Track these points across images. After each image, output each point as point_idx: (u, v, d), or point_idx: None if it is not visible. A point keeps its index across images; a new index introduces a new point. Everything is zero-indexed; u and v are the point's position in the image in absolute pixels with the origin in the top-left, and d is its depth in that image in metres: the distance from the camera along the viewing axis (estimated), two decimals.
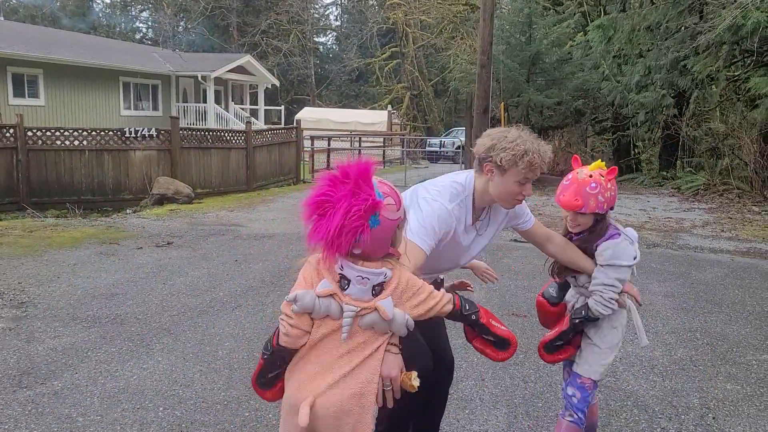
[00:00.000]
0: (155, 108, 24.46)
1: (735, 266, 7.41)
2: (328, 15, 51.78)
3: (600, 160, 2.61)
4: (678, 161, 18.17)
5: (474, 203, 2.44)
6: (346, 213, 1.74)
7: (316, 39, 48.14)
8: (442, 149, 30.31)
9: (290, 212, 11.22)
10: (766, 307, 5.69)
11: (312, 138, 20.50)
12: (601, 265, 2.49)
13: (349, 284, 1.83)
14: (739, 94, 15.77)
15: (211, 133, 15.23)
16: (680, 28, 15.35)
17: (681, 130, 16.75)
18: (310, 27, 43.79)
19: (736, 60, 14.72)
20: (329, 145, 21.47)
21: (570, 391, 2.56)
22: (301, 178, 17.86)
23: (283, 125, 26.95)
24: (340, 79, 45.37)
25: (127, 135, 12.76)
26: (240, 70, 26.05)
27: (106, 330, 4.65)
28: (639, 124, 17.67)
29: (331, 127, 27.16)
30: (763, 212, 11.71)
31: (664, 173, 17.35)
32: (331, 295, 1.82)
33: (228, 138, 15.22)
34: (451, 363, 2.70)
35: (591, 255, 2.54)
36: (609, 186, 2.47)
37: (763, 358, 4.39)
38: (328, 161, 20.87)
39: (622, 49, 17.77)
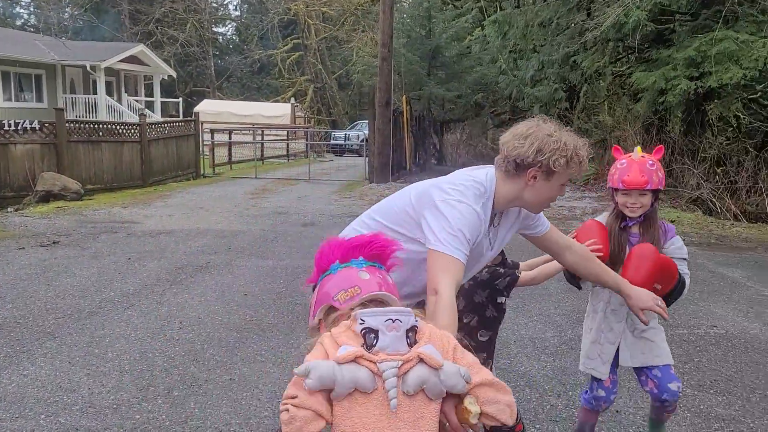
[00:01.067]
0: (39, 99, 22.88)
1: None
2: (226, 4, 50.38)
3: (638, 146, 2.68)
4: None
5: (493, 207, 2.12)
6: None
7: (214, 29, 46.69)
8: (347, 142, 30.33)
9: (189, 208, 10.84)
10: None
11: (212, 131, 19.90)
12: (681, 258, 2.55)
13: (377, 336, 1.40)
14: (624, 89, 16.75)
15: (102, 125, 14.41)
16: (570, 24, 16.10)
17: (572, 123, 17.62)
18: (208, 16, 42.39)
19: (620, 56, 15.61)
20: (230, 138, 20.93)
21: (675, 386, 2.49)
22: (201, 172, 17.30)
23: (181, 118, 25.96)
24: (241, 71, 44.35)
25: (6, 128, 11.83)
26: (133, 60, 24.82)
27: None
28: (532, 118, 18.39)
29: (233, 120, 26.46)
30: None
31: None
32: (355, 359, 1.36)
33: (121, 131, 14.46)
34: None
35: (652, 242, 2.51)
36: (659, 165, 2.54)
37: None
38: (229, 155, 20.35)
39: (517, 44, 18.42)
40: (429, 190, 2.08)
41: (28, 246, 7.33)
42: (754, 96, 12.55)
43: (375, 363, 1.35)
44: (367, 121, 16.14)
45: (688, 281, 2.53)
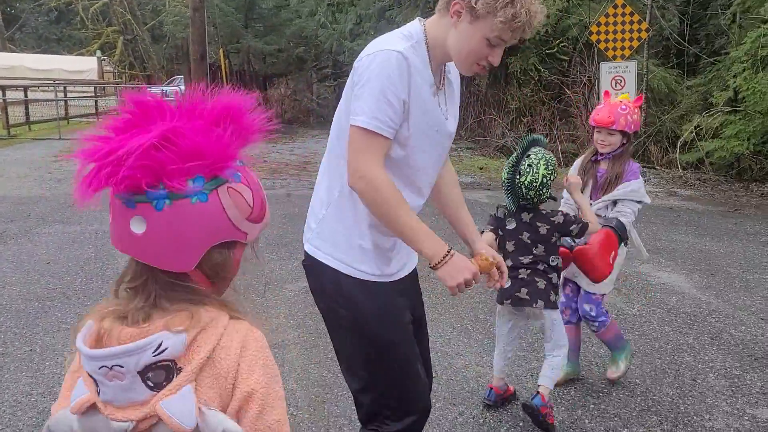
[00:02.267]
0: None
1: None
2: None
3: (626, 93, 2.90)
4: None
5: (429, 53, 1.71)
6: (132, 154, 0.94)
7: None
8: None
9: None
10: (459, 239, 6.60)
11: (3, 88, 17.71)
12: (626, 199, 2.89)
13: (98, 384, 0.96)
14: None
15: None
16: None
17: None
18: None
19: (430, 10, 16.31)
20: (26, 95, 18.82)
21: (587, 307, 2.96)
22: None
23: None
24: (36, 20, 39.62)
25: None
26: None
27: None
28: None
29: (29, 75, 23.73)
30: (458, 148, 13.43)
31: None
32: (93, 406, 0.97)
33: None
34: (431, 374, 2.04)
35: (612, 183, 2.90)
36: (635, 111, 2.90)
37: None
38: (26, 114, 18.33)
39: None
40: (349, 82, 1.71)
41: None
42: (551, 51, 13.81)
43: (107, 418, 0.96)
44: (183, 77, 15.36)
45: (626, 220, 2.88)
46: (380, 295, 1.76)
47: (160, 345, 0.93)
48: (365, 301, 1.73)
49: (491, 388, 2.88)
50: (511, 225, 2.73)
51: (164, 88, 30.14)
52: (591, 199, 2.99)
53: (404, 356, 1.78)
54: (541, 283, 2.66)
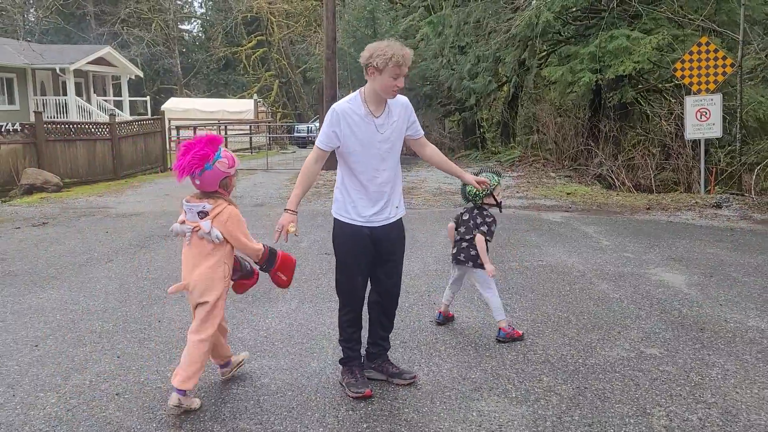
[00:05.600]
0: (11, 102, 24.12)
1: (514, 216, 9.72)
2: (191, 2, 51.38)
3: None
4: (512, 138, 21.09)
5: (365, 98, 3.32)
6: (193, 155, 3.14)
7: (180, 27, 47.73)
8: (310, 134, 31.91)
9: (157, 195, 12.46)
10: (519, 245, 7.91)
11: (177, 128, 21.39)
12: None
13: (186, 214, 3.26)
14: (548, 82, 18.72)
15: (75, 125, 15.93)
16: (499, 24, 17.96)
17: (517, 110, 19.59)
18: (173, 15, 43.49)
19: (541, 53, 17.54)
20: (195, 133, 22.42)
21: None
22: (168, 166, 18.83)
23: (149, 116, 27.34)
24: (207, 68, 45.42)
25: None
26: (101, 61, 26.13)
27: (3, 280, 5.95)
28: (471, 107, 20.30)
29: (199, 116, 27.93)
30: (557, 177, 14.47)
31: (493, 149, 20.13)
32: (183, 222, 3.25)
33: (93, 130, 16.01)
34: (393, 293, 3.61)
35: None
36: None
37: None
38: None
39: (456, 41, 20.25)
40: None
41: (23, 226, 8.94)
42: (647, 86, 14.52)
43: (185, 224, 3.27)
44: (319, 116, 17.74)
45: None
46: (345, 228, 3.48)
47: (204, 206, 3.23)
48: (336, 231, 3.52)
49: (440, 312, 4.58)
50: (465, 216, 4.27)
51: (309, 125, 33.69)
52: None
53: (348, 267, 3.44)
54: (473, 251, 4.14)
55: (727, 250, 7.24)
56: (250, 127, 26.98)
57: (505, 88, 20.59)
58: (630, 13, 14.35)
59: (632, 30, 13.70)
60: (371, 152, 3.36)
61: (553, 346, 4.17)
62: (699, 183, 11.80)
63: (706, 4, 14.28)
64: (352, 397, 3.39)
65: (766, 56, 13.34)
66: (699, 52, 11.34)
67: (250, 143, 26.03)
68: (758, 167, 11.20)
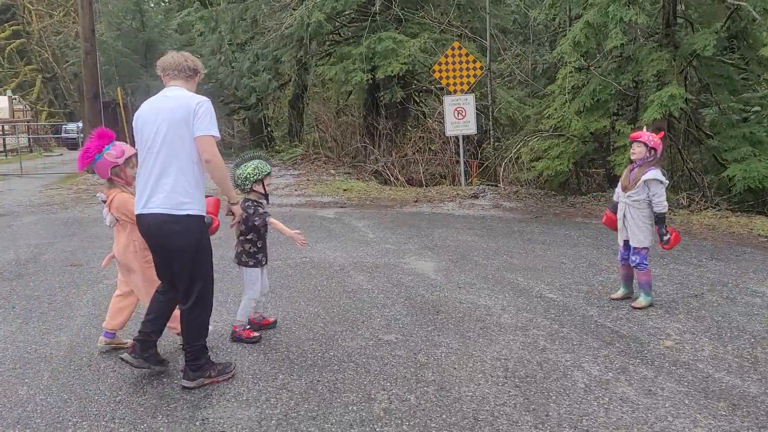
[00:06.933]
0: None
1: (289, 214, 9.67)
2: None
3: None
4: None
5: None
6: (86, 149, 3.87)
7: None
8: (80, 135, 29.15)
9: None
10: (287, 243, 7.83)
11: None
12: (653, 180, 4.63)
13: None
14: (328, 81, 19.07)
15: None
16: (275, 23, 17.86)
17: (303, 107, 19.63)
18: None
19: (321, 53, 17.80)
20: None
21: (636, 258, 4.73)
22: None
23: None
24: None
25: None
26: None
27: None
28: (255, 105, 20.00)
29: None
30: (337, 174, 14.80)
31: (278, 148, 20.06)
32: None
33: None
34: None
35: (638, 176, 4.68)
36: (656, 136, 4.70)
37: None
38: None
39: (233, 38, 19.78)
40: (203, 117, 3.46)
41: None
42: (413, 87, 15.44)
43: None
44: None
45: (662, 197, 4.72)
46: None
47: (100, 196, 4.01)
48: None
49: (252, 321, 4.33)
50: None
51: (80, 125, 30.71)
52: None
53: (211, 266, 3.61)
54: (239, 249, 4.07)
55: (476, 236, 7.89)
56: (2, 127, 23.83)
57: (289, 86, 20.58)
58: (394, 17, 15.13)
59: (399, 33, 14.45)
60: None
61: (297, 343, 4.14)
62: (461, 176, 12.81)
63: (464, 12, 15.58)
64: (231, 377, 3.56)
65: (512, 60, 14.91)
66: (453, 56, 12.30)
67: (3, 145, 22.99)
68: (505, 160, 12.46)
